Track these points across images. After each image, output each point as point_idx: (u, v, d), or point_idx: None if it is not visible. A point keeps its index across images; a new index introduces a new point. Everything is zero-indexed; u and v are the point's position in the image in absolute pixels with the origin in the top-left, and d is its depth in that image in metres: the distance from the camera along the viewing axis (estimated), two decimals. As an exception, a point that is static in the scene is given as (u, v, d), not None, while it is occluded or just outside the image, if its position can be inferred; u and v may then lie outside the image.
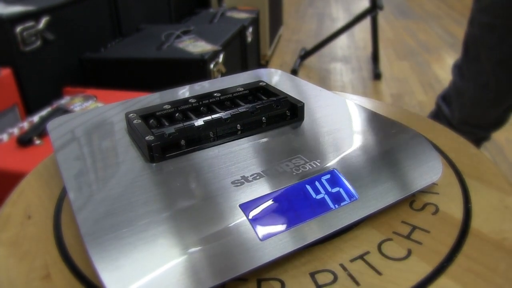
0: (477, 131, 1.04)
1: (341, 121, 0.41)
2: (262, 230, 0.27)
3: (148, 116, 0.38)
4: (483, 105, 0.98)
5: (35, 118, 0.97)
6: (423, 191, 0.35)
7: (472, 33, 0.96)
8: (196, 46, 1.35)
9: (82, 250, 0.30)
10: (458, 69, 1.03)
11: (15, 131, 0.92)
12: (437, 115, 1.11)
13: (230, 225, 0.28)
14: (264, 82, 0.44)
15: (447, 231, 0.31)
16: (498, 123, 1.04)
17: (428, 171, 0.35)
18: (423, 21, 3.34)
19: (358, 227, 0.31)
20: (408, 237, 0.30)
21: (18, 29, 1.05)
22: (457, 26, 3.16)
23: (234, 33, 1.56)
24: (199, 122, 0.36)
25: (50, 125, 0.41)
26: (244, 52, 1.73)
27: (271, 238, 0.27)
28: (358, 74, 2.33)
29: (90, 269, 0.28)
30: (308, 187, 0.31)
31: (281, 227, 0.28)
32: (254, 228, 0.27)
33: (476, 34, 0.94)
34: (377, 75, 2.26)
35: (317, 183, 0.31)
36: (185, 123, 0.35)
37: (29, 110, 1.10)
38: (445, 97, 1.09)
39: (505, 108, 0.99)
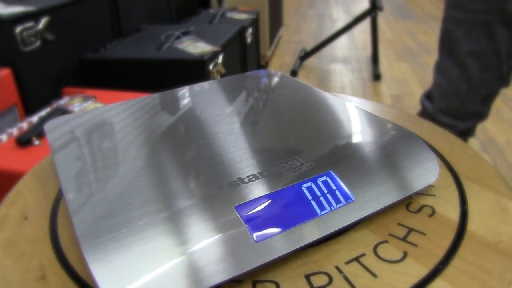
0: (457, 123, 1.08)
1: (337, 122, 0.41)
2: (258, 232, 0.27)
3: None
4: (458, 97, 1.03)
5: (34, 119, 0.97)
6: (420, 193, 0.35)
7: (445, 29, 1.02)
8: (196, 47, 1.35)
9: (78, 251, 0.30)
10: (437, 65, 1.09)
11: (14, 131, 0.92)
12: (422, 114, 1.15)
13: (226, 226, 0.28)
14: None
15: (443, 233, 0.31)
16: (479, 115, 1.07)
17: (424, 173, 0.35)
18: (423, 22, 3.34)
19: (354, 229, 0.31)
20: (404, 239, 0.30)
21: (18, 29, 1.05)
22: (457, 27, 3.15)
23: (234, 34, 1.56)
24: None
25: (48, 126, 0.41)
26: (244, 53, 1.73)
27: (266, 240, 0.27)
28: (358, 75, 2.33)
29: (85, 271, 0.28)
30: (304, 189, 0.31)
31: (276, 229, 0.28)
32: (249, 230, 0.27)
33: (448, 29, 1.00)
34: (376, 76, 2.26)
35: (313, 185, 0.31)
36: None
37: (28, 110, 1.10)
38: (428, 96, 1.15)
39: (481, 99, 1.02)
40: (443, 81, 1.04)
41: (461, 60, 0.98)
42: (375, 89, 2.17)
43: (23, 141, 0.88)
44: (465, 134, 1.11)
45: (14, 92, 1.06)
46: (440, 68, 1.06)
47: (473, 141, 1.64)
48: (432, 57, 2.56)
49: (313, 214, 0.29)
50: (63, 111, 1.01)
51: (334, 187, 0.31)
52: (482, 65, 0.96)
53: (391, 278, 0.27)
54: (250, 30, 1.81)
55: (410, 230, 0.31)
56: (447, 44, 1.02)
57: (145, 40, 1.45)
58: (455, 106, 1.05)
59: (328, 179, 0.31)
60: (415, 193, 0.34)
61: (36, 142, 0.88)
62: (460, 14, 0.95)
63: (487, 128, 1.72)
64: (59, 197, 0.36)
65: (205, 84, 0.52)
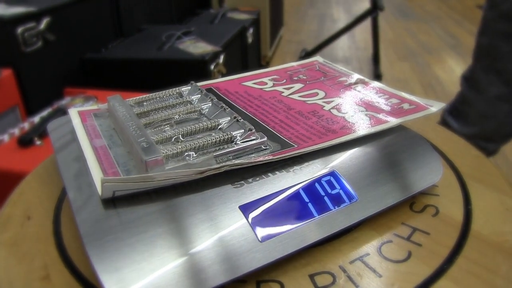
0: (488, 145, 0.98)
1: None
2: (262, 232, 0.27)
3: None
4: (496, 118, 0.93)
5: (36, 119, 0.97)
6: (423, 193, 0.35)
7: (484, 42, 0.92)
8: (197, 47, 1.35)
9: (81, 251, 0.30)
10: (467, 80, 0.98)
11: (16, 131, 0.92)
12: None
13: (230, 226, 0.28)
14: None
15: (448, 233, 0.31)
16: (510, 135, 0.99)
17: (428, 173, 0.35)
18: (423, 22, 3.34)
19: (357, 229, 0.31)
20: (408, 239, 0.30)
21: (19, 30, 1.05)
22: (457, 27, 3.16)
23: (235, 34, 1.56)
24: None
25: (51, 126, 0.41)
26: (245, 53, 1.73)
27: (270, 240, 0.27)
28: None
29: (89, 270, 0.28)
30: (308, 188, 0.31)
31: (280, 229, 0.28)
32: (253, 229, 0.27)
33: (490, 43, 0.90)
34: (377, 76, 2.26)
35: (317, 185, 0.31)
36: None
37: (30, 110, 1.10)
38: (451, 111, 1.04)
39: None
40: (479, 100, 0.94)
41: (505, 77, 0.88)
42: (376, 89, 2.17)
43: (25, 141, 0.88)
44: (491, 154, 1.01)
45: (15, 92, 1.06)
46: (474, 84, 0.95)
47: (474, 141, 1.63)
48: (432, 57, 2.56)
49: (317, 214, 0.29)
50: (64, 111, 1.01)
51: (338, 187, 0.31)
52: None
53: (395, 278, 0.27)
54: (251, 30, 1.81)
55: (414, 229, 0.31)
56: (486, 59, 0.92)
57: (146, 40, 1.45)
58: (492, 128, 0.95)
59: (332, 179, 0.31)
60: (419, 192, 0.34)
61: (38, 142, 0.88)
62: (509, 27, 0.84)
63: (488, 128, 1.72)
64: (62, 197, 0.36)
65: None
